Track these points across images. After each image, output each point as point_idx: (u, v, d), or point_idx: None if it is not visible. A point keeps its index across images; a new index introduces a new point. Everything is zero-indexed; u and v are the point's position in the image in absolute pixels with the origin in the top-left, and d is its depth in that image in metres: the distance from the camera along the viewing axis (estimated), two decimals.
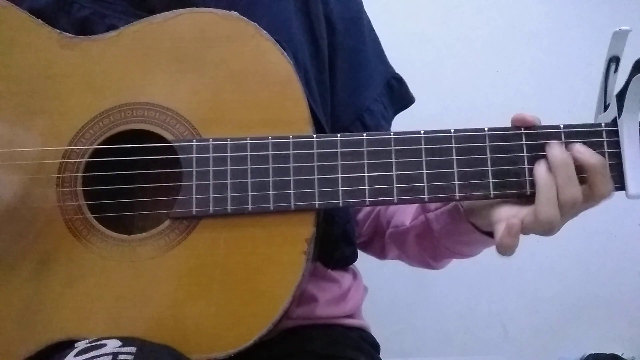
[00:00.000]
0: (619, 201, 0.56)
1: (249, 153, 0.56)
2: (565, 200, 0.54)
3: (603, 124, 0.57)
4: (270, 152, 0.56)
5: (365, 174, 0.56)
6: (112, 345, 0.49)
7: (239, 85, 0.58)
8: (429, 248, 0.71)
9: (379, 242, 0.78)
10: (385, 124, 0.73)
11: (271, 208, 0.56)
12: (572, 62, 1.33)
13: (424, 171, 0.56)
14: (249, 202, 0.56)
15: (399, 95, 0.76)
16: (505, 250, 0.55)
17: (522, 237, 0.55)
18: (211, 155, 0.56)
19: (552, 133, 0.56)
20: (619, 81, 0.56)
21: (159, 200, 0.58)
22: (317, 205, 0.56)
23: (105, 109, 0.58)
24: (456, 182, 0.56)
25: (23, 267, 0.55)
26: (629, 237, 1.37)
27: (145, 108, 0.58)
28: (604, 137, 0.56)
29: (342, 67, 0.71)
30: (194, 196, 0.56)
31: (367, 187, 0.56)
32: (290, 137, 0.56)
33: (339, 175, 0.56)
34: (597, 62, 0.58)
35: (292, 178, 0.56)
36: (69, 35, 0.59)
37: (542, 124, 0.57)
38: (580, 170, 0.55)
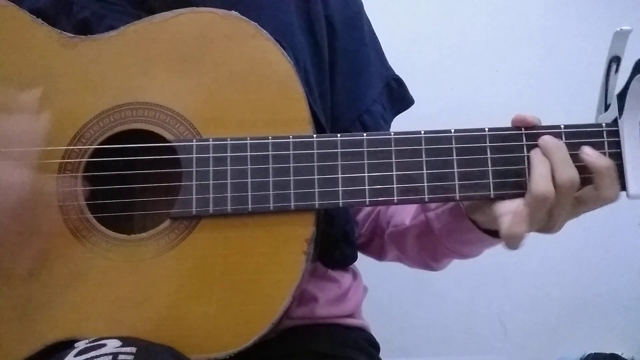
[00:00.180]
0: (619, 201, 0.56)
1: (249, 153, 0.56)
2: (562, 180, 0.54)
3: (604, 124, 0.57)
4: (270, 152, 0.56)
5: (366, 174, 0.56)
6: (112, 345, 0.49)
7: (239, 85, 0.58)
8: (429, 248, 0.71)
9: (378, 243, 0.78)
10: (384, 125, 0.73)
11: (271, 208, 0.56)
12: (573, 62, 1.32)
13: (424, 171, 0.56)
14: (249, 202, 0.56)
15: (399, 97, 0.76)
16: (514, 240, 0.54)
17: None
18: (211, 155, 0.56)
19: (552, 133, 0.56)
20: (619, 81, 0.56)
21: (159, 200, 0.58)
22: (317, 205, 0.56)
23: (105, 108, 0.58)
24: (456, 182, 0.56)
25: (23, 267, 0.55)
26: (629, 237, 1.37)
27: (145, 108, 0.58)
28: (605, 138, 0.56)
29: (342, 68, 0.71)
30: (193, 196, 0.56)
31: (367, 187, 0.56)
32: (290, 137, 0.56)
33: (339, 175, 0.56)
34: (597, 62, 0.58)
35: (292, 178, 0.56)
36: (69, 34, 0.59)
37: (543, 124, 0.57)
38: (586, 170, 0.55)
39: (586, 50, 1.31)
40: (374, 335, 0.77)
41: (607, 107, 0.58)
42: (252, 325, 0.55)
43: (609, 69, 0.56)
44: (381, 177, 0.56)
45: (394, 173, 0.56)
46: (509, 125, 0.57)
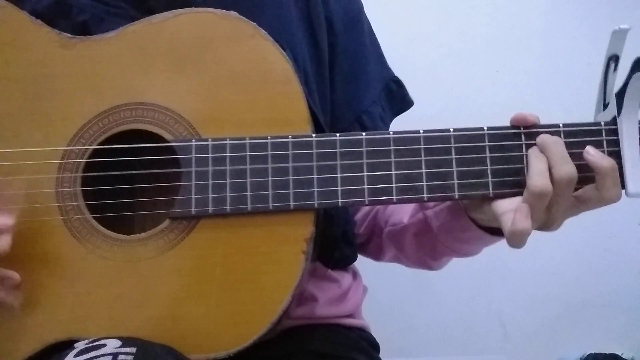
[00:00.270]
0: (619, 201, 0.56)
1: (248, 153, 0.56)
2: (560, 176, 0.53)
3: (602, 123, 0.57)
4: (269, 152, 0.56)
5: (365, 174, 0.56)
6: (112, 345, 0.49)
7: (238, 85, 0.58)
8: (427, 246, 0.71)
9: (376, 243, 0.78)
10: (383, 126, 0.73)
11: (270, 208, 0.56)
12: (572, 61, 1.32)
13: (423, 170, 0.56)
14: (248, 202, 0.56)
15: (398, 98, 0.76)
16: (519, 237, 0.53)
17: None
18: (210, 155, 0.56)
19: (551, 132, 0.56)
20: (618, 80, 0.56)
21: (159, 200, 0.58)
22: (316, 205, 0.56)
23: (104, 109, 0.58)
24: (455, 182, 0.56)
25: (22, 267, 0.55)
26: (629, 237, 1.37)
27: (145, 108, 0.58)
28: (604, 136, 0.57)
29: (342, 69, 0.71)
30: (193, 196, 0.56)
31: (366, 186, 0.56)
32: (290, 137, 0.56)
33: (338, 175, 0.56)
34: (596, 61, 0.58)
35: (291, 178, 0.56)
36: (68, 35, 0.59)
37: (542, 123, 0.57)
38: (586, 169, 0.55)
39: (586, 50, 1.31)
40: (374, 335, 0.77)
41: (605, 106, 0.58)
42: (252, 325, 0.55)
43: (608, 68, 0.56)
44: (380, 177, 0.56)
45: (393, 172, 0.56)
46: (508, 124, 0.57)
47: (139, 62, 0.58)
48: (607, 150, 0.56)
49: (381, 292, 1.26)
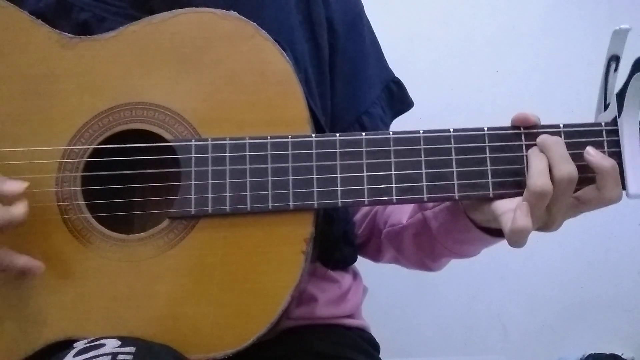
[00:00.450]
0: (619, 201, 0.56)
1: (247, 153, 0.56)
2: (560, 176, 0.53)
3: (603, 124, 0.57)
4: (269, 152, 0.56)
5: (364, 174, 0.56)
6: (111, 345, 0.49)
7: (238, 84, 0.58)
8: (426, 247, 0.71)
9: (375, 243, 0.78)
10: (383, 127, 0.73)
11: (270, 208, 0.56)
12: (572, 61, 1.32)
13: (423, 171, 0.56)
14: (248, 201, 0.56)
15: (398, 99, 0.76)
16: (519, 235, 0.52)
17: None
18: (210, 155, 0.56)
19: (551, 132, 0.56)
20: (619, 80, 0.56)
21: (158, 200, 0.58)
22: (315, 205, 0.56)
23: (104, 108, 0.58)
24: (455, 182, 0.56)
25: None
26: (629, 237, 1.37)
27: (145, 108, 0.58)
28: (604, 137, 0.56)
29: (342, 70, 0.71)
30: (192, 196, 0.56)
31: (365, 186, 0.56)
32: (289, 137, 0.56)
33: (338, 175, 0.56)
34: (597, 62, 0.58)
35: (290, 178, 0.56)
36: (69, 35, 0.59)
37: (542, 124, 0.57)
38: (586, 169, 0.55)
39: (586, 50, 1.31)
40: (374, 335, 0.77)
41: (606, 107, 0.58)
42: (251, 325, 0.55)
43: (608, 68, 0.56)
44: (380, 177, 0.56)
45: (393, 173, 0.56)
46: (508, 125, 0.57)
47: (139, 62, 0.58)
48: (608, 151, 0.56)
49: (381, 292, 1.26)
